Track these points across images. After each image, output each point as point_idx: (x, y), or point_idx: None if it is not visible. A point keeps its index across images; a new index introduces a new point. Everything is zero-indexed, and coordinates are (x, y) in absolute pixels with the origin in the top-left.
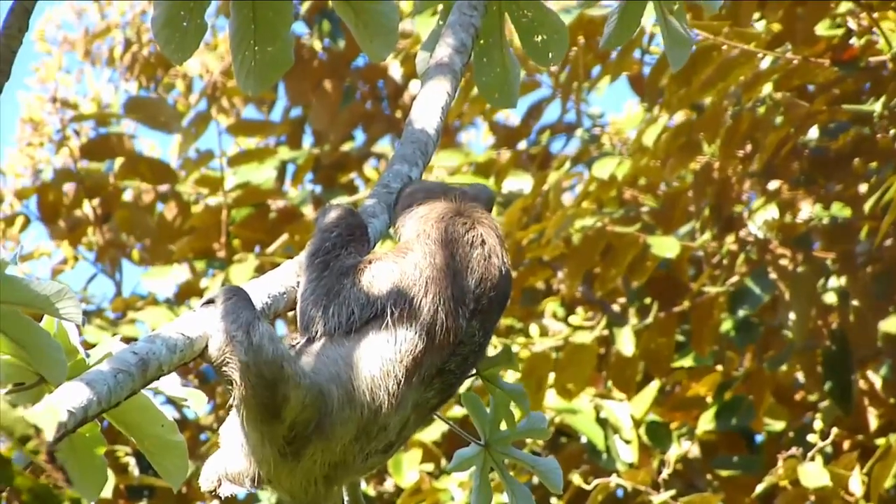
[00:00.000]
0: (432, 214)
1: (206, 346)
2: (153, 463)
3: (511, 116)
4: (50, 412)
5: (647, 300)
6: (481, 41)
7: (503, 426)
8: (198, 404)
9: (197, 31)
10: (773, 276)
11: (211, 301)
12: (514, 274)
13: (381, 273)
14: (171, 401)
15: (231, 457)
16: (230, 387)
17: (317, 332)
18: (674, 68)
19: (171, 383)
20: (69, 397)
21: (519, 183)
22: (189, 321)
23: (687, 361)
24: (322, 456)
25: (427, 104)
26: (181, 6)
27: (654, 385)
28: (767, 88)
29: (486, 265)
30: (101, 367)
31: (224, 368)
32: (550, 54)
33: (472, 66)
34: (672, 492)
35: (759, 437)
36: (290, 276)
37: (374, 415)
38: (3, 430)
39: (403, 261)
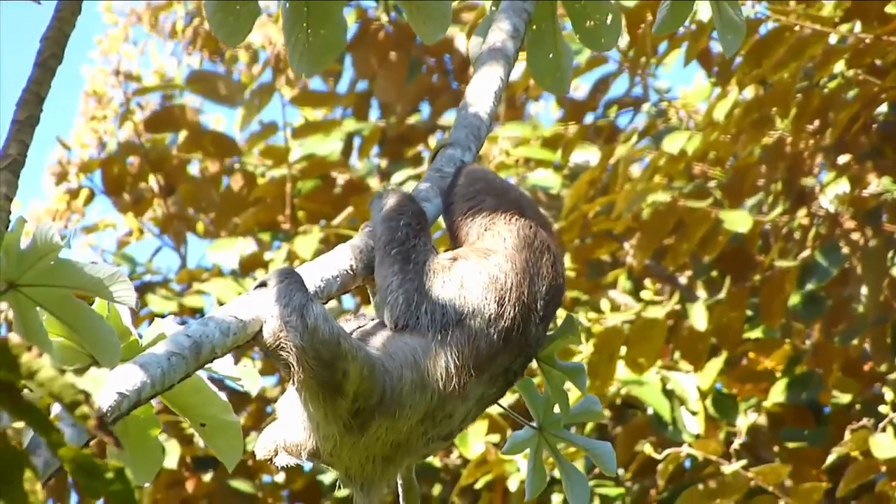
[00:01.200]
0: (501, 215)
1: (260, 329)
2: (208, 443)
3: (579, 89)
4: (97, 377)
5: (714, 274)
6: (534, 27)
7: (556, 409)
8: (252, 383)
9: (249, 14)
10: (844, 250)
11: (263, 284)
12: (578, 245)
13: (469, 275)
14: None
15: (289, 428)
16: (287, 370)
17: (406, 327)
18: (727, 54)
19: (224, 363)
20: (123, 380)
21: (586, 156)
22: (242, 304)
23: (755, 333)
24: (386, 434)
25: (480, 89)
26: None
27: (721, 357)
28: (839, 66)
29: (553, 273)
30: (155, 350)
31: (280, 353)
32: (603, 39)
33: (525, 51)
34: (743, 461)
35: (826, 410)
36: (344, 259)
37: (442, 402)
38: (53, 397)
39: (488, 263)
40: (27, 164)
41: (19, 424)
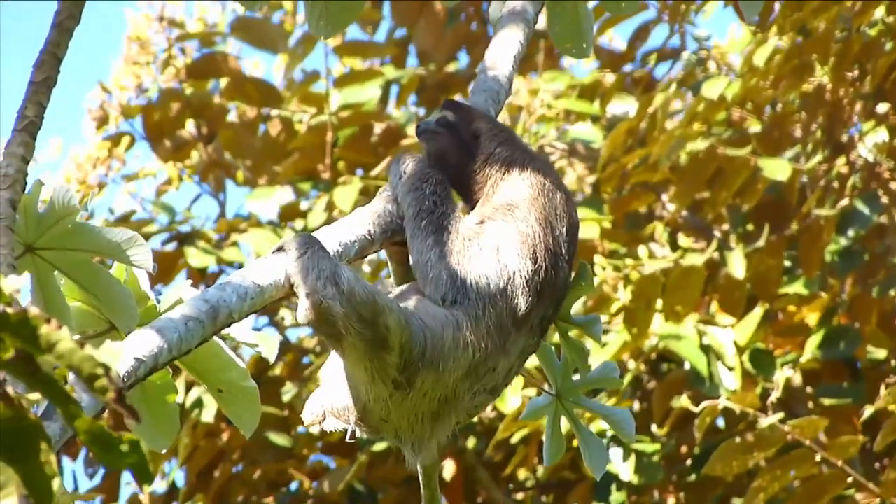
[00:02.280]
0: (516, 163)
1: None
2: (225, 409)
3: (615, 40)
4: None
5: (750, 227)
6: None
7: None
8: (269, 350)
9: None
10: (883, 199)
11: (281, 249)
12: (617, 199)
13: (502, 237)
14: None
15: (336, 393)
16: (332, 340)
17: (455, 302)
18: (747, 19)
19: (242, 329)
20: (140, 345)
21: (623, 106)
22: (260, 268)
23: (793, 288)
24: (433, 389)
25: (500, 53)
26: None
27: (758, 312)
28: (879, 12)
29: (569, 210)
30: (172, 315)
31: (323, 325)
32: (624, 4)
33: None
34: (780, 415)
35: (858, 365)
36: (363, 224)
37: (484, 358)
38: (72, 370)
39: (515, 220)
40: (68, 109)
41: (34, 395)
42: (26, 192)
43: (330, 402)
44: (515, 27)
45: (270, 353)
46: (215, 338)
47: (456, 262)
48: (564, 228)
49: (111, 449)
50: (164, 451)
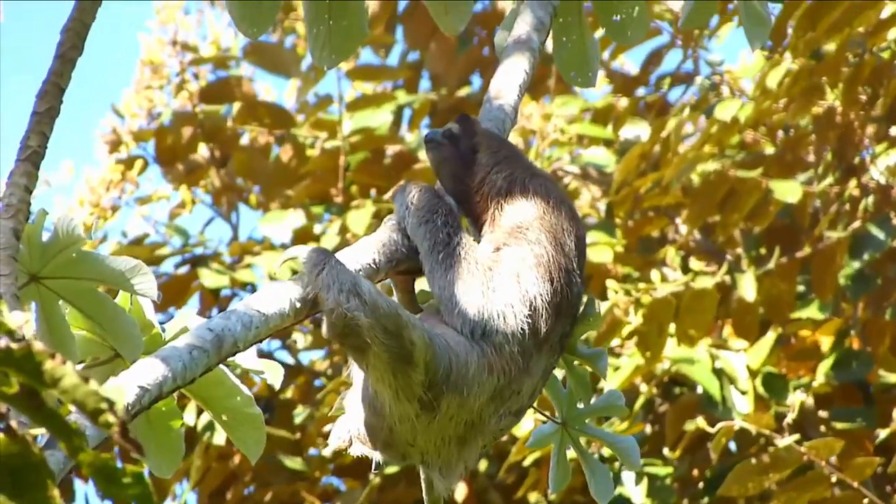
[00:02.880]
0: (517, 182)
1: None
2: (230, 436)
3: (627, 64)
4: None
5: (763, 251)
6: (560, 19)
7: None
8: (275, 377)
9: (271, 7)
10: (895, 221)
11: (293, 259)
12: (630, 223)
13: (519, 264)
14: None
15: (362, 418)
16: (357, 354)
17: (484, 335)
18: (752, 48)
19: (247, 357)
20: (145, 373)
21: (636, 130)
22: (265, 297)
23: (807, 312)
24: (458, 413)
25: (505, 82)
26: None
27: (771, 336)
28: (892, 34)
29: (575, 223)
30: (177, 344)
31: (348, 338)
32: (630, 32)
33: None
34: (796, 436)
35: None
36: (368, 253)
37: (509, 381)
38: (76, 404)
39: (527, 243)
40: (80, 132)
41: (37, 430)
42: (30, 221)
43: (357, 426)
44: (521, 56)
45: (276, 381)
46: (220, 365)
47: (481, 294)
48: (573, 243)
49: (114, 481)
50: (169, 476)
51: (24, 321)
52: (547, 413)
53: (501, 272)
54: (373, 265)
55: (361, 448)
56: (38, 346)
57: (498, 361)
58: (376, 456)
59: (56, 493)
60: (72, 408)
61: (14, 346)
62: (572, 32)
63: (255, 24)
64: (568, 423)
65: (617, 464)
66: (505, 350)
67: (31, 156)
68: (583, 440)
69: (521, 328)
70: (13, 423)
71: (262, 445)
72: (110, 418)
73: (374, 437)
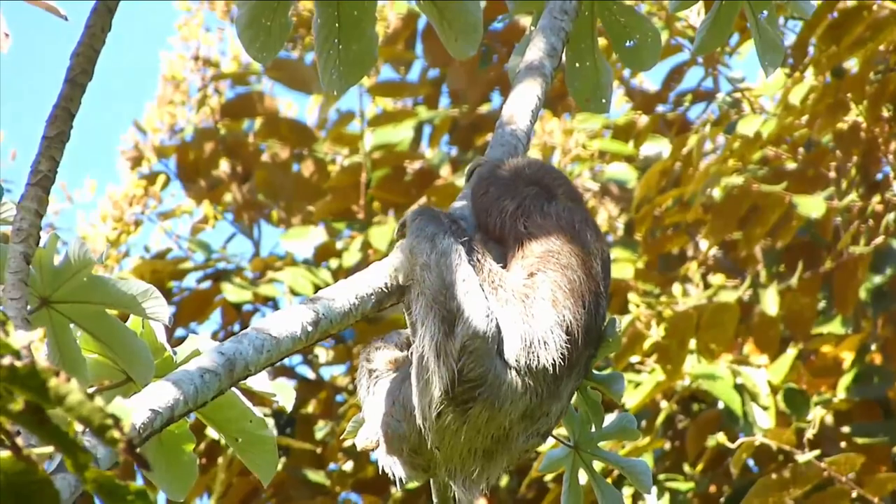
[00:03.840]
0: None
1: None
2: (243, 458)
3: (646, 81)
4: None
5: (783, 269)
6: (573, 46)
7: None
8: (286, 399)
9: (281, 31)
10: None
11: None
12: (651, 240)
13: (554, 290)
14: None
15: (391, 421)
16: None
17: (528, 364)
18: (767, 75)
19: (259, 380)
20: (156, 396)
21: (657, 147)
22: (277, 321)
23: (827, 328)
24: (487, 426)
25: (517, 108)
26: (264, 6)
27: (792, 352)
28: None
29: (601, 246)
30: (188, 367)
31: (406, 272)
32: (643, 59)
33: (564, 70)
34: (816, 451)
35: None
36: (380, 277)
37: (539, 403)
38: (82, 421)
39: (561, 268)
40: (103, 148)
41: (45, 449)
42: (41, 245)
43: (386, 427)
44: (532, 81)
45: (287, 403)
46: (232, 388)
47: (522, 321)
48: (599, 266)
49: (118, 498)
50: (181, 500)
51: (29, 341)
52: (559, 437)
53: (537, 297)
54: (385, 289)
55: (387, 456)
56: (43, 363)
57: (532, 384)
58: (399, 470)
59: None
60: (80, 427)
61: (18, 363)
62: (585, 59)
63: (264, 49)
64: (580, 446)
65: None
66: (540, 374)
67: (42, 180)
68: (595, 464)
69: (561, 353)
70: (19, 441)
71: (275, 468)
72: (116, 434)
73: (402, 441)
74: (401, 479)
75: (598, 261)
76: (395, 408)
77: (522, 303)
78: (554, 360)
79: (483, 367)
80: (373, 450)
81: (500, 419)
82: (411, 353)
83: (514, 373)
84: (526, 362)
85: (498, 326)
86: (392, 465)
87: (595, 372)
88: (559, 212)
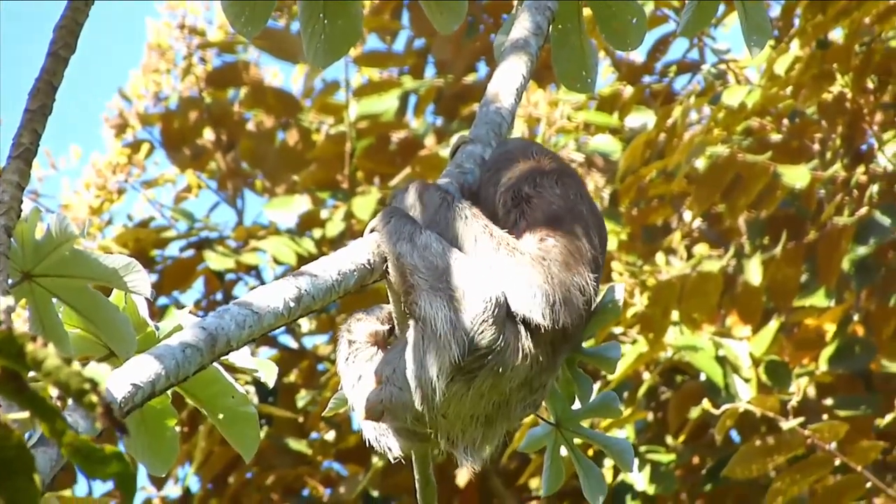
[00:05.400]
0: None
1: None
2: (225, 434)
3: (631, 53)
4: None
5: (767, 240)
6: (559, 26)
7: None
8: (269, 375)
9: (265, 5)
10: None
11: (374, 230)
12: (635, 212)
13: (568, 253)
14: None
15: (394, 390)
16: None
17: (556, 319)
18: (753, 56)
19: (241, 355)
20: (137, 371)
21: (642, 119)
22: (259, 296)
23: (810, 300)
24: (489, 392)
25: (502, 86)
26: None
27: (774, 324)
28: None
29: (599, 223)
30: (170, 342)
31: (399, 280)
32: (629, 39)
33: (550, 50)
34: (801, 419)
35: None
36: (363, 253)
37: (539, 373)
38: (59, 386)
39: (565, 233)
40: (87, 116)
41: (20, 415)
42: (24, 217)
43: (389, 397)
44: (518, 59)
45: (270, 379)
46: (215, 364)
47: (544, 281)
48: (597, 240)
49: (95, 460)
50: (163, 475)
51: (6, 306)
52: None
53: (553, 259)
54: (367, 265)
55: (378, 427)
56: (19, 329)
57: (534, 351)
58: (390, 441)
59: (38, 478)
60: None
61: None
62: (571, 38)
63: (249, 24)
64: (562, 424)
65: None
66: (542, 339)
67: (24, 153)
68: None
69: (579, 313)
70: None
71: (257, 444)
72: (94, 398)
73: (406, 409)
74: (390, 451)
75: (594, 233)
76: (397, 376)
77: (541, 263)
78: (572, 321)
79: (494, 334)
80: (378, 419)
81: (503, 386)
82: (398, 327)
83: (523, 337)
84: (551, 319)
85: (504, 294)
86: (381, 437)
87: (585, 347)
88: (562, 188)
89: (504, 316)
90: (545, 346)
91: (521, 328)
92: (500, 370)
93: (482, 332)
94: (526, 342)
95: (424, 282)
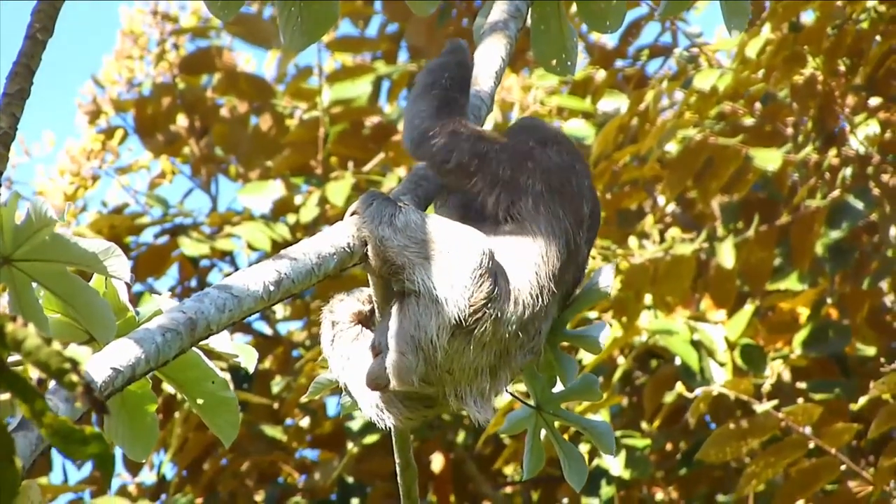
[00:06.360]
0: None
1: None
2: (205, 419)
3: (605, 36)
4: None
5: (741, 225)
6: (538, 8)
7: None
8: (248, 360)
9: None
10: (875, 191)
11: (354, 213)
12: (609, 196)
13: (539, 166)
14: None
15: (396, 356)
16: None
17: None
18: (732, 36)
19: (220, 340)
20: (117, 355)
21: (615, 103)
22: (239, 280)
23: (784, 284)
24: (490, 342)
25: (481, 69)
26: None
27: (749, 308)
28: (872, 2)
29: (593, 197)
30: (150, 326)
31: (383, 268)
32: (608, 22)
33: (530, 32)
34: (774, 402)
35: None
36: (343, 236)
37: (532, 317)
38: (39, 366)
39: (548, 155)
40: (62, 103)
41: (3, 397)
42: (2, 202)
43: (392, 364)
44: (497, 43)
45: (250, 364)
46: (195, 349)
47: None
48: (587, 210)
49: (73, 441)
50: (143, 460)
51: None
52: (521, 397)
53: (523, 157)
54: (347, 249)
55: (378, 402)
56: None
57: (528, 299)
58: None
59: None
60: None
61: None
62: (550, 21)
63: (225, 7)
64: (542, 406)
65: None
66: (538, 281)
67: (2, 137)
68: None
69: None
70: None
71: (237, 429)
72: (74, 378)
73: (411, 372)
74: (391, 422)
75: (588, 203)
76: (397, 343)
77: (537, 216)
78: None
79: (490, 284)
80: (384, 388)
81: (502, 331)
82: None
83: (520, 284)
84: (546, 273)
85: (492, 251)
86: (382, 411)
87: (568, 330)
88: (562, 152)
89: (496, 264)
90: (541, 291)
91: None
92: (500, 315)
93: (481, 284)
94: (529, 288)
95: (416, 255)
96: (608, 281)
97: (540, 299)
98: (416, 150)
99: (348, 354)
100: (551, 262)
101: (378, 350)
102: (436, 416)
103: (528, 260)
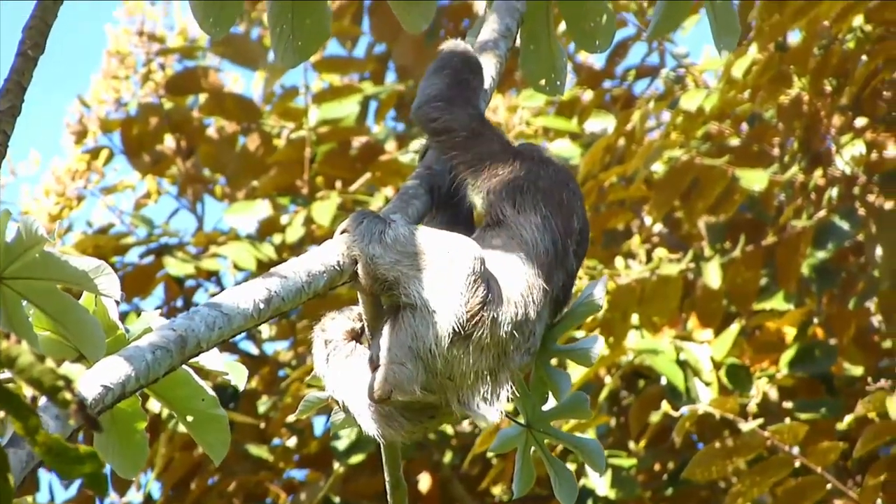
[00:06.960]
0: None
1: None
2: (195, 437)
3: (591, 56)
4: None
5: (727, 245)
6: (528, 27)
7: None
8: (238, 378)
9: (234, 6)
10: (860, 212)
11: (345, 231)
12: (596, 216)
13: (531, 169)
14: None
15: (396, 366)
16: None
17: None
18: (722, 56)
19: (211, 357)
20: (107, 372)
21: (601, 123)
22: (228, 298)
23: (770, 304)
24: (489, 343)
25: None
26: None
27: (735, 328)
28: (858, 21)
29: (584, 217)
30: (140, 344)
31: (375, 286)
32: (598, 41)
33: (519, 52)
34: (760, 420)
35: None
36: (333, 255)
37: (525, 318)
38: (32, 383)
39: (541, 166)
40: (48, 123)
41: None
42: None
43: (392, 375)
44: (487, 62)
45: (240, 382)
46: (184, 366)
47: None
48: (577, 225)
49: (67, 460)
50: (133, 477)
51: None
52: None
53: (517, 161)
54: (337, 267)
55: (402, 396)
56: None
57: (522, 298)
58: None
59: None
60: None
61: None
62: (540, 40)
63: (217, 24)
64: (532, 425)
65: None
66: (535, 276)
67: None
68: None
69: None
70: None
71: (227, 447)
72: (68, 395)
73: (412, 382)
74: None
75: (578, 221)
76: (394, 353)
77: (534, 217)
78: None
79: (484, 289)
80: (387, 399)
81: (498, 333)
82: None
83: (511, 283)
84: (535, 270)
85: (482, 256)
86: (381, 425)
87: (557, 346)
88: (555, 169)
89: (486, 268)
90: (538, 291)
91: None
92: (495, 317)
93: (475, 289)
94: (523, 286)
95: (408, 268)
96: (601, 294)
97: (531, 297)
98: (416, 111)
99: (345, 371)
100: (540, 259)
101: (376, 364)
102: (438, 426)
103: (516, 259)
